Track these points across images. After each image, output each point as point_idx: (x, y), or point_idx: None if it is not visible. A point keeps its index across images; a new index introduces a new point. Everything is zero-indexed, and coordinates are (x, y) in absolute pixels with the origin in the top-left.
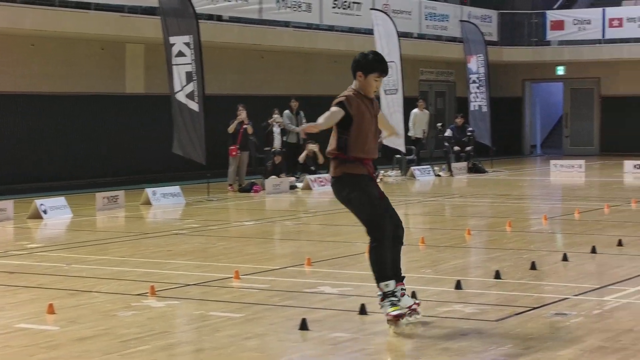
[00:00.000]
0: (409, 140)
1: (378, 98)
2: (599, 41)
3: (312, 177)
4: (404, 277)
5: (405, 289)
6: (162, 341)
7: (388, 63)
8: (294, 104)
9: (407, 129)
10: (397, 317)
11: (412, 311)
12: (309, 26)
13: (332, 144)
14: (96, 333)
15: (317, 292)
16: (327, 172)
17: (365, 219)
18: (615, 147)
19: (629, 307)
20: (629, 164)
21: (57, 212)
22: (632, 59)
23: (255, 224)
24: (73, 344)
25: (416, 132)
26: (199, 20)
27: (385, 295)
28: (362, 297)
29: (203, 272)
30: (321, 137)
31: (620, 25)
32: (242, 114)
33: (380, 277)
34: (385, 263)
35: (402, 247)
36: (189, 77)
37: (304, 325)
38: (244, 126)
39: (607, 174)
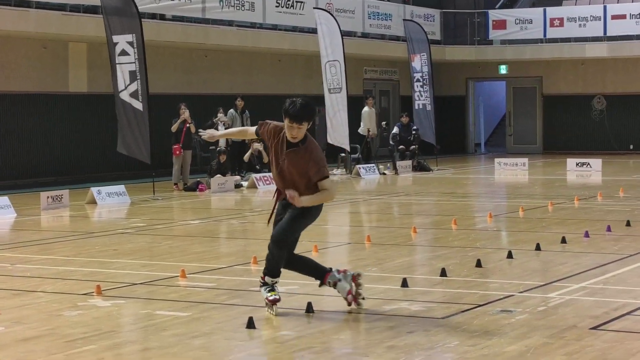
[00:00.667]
0: (355, 139)
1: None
2: (540, 40)
3: (258, 175)
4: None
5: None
6: (109, 341)
7: (332, 62)
8: (240, 102)
9: (352, 128)
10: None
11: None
12: (253, 25)
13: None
14: (41, 333)
15: None
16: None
17: None
18: (558, 146)
19: (572, 304)
20: (571, 162)
21: (0, 211)
22: (572, 58)
23: (201, 222)
24: (18, 345)
25: (363, 129)
26: (142, 19)
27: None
28: (309, 296)
29: (149, 271)
30: None
31: (561, 24)
32: (185, 113)
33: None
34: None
35: (350, 246)
36: (132, 76)
37: (250, 324)
38: (187, 125)
39: (550, 172)
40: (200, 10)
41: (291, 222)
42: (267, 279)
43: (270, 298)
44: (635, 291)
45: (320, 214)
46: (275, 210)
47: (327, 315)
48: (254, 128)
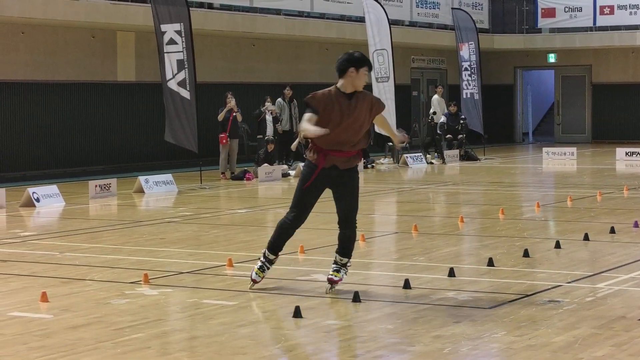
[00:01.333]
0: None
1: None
2: (590, 29)
3: (304, 164)
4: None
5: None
6: (156, 329)
7: (379, 51)
8: (288, 92)
9: (400, 118)
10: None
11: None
12: (300, 14)
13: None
14: (89, 321)
15: (311, 279)
16: None
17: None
18: (607, 135)
19: (621, 294)
20: (620, 152)
21: (49, 200)
22: (622, 47)
23: (248, 211)
24: (66, 332)
25: (436, 117)
26: (190, 8)
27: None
28: (355, 285)
29: (196, 260)
30: None
31: (612, 12)
32: (232, 102)
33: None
34: None
35: (397, 235)
36: (180, 65)
37: (297, 313)
38: (234, 114)
39: (599, 162)
40: None
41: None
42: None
43: (336, 279)
44: None
45: None
46: (316, 177)
47: (374, 304)
48: (307, 115)
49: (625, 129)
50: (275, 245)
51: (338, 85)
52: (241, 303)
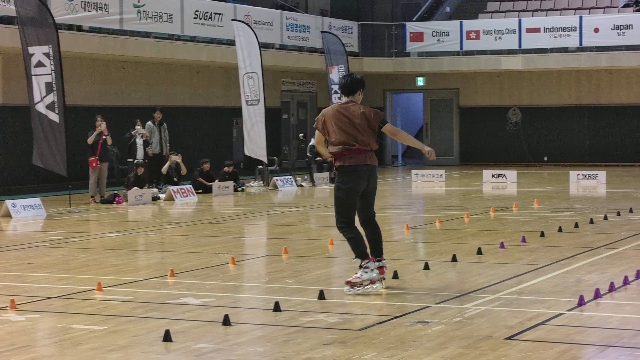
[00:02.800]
0: (272, 151)
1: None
2: (457, 53)
3: (175, 188)
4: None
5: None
6: (23, 356)
7: (249, 74)
8: (158, 115)
9: (270, 141)
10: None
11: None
12: (171, 37)
13: (372, 141)
14: None
15: (181, 303)
16: (189, 183)
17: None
18: (474, 157)
19: (488, 314)
20: (487, 174)
21: None
22: (488, 71)
23: (118, 235)
24: None
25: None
26: (59, 31)
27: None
28: (226, 308)
29: (65, 285)
30: (183, 149)
31: (477, 37)
32: (102, 125)
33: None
34: None
35: (267, 258)
36: (49, 87)
37: (167, 337)
38: (104, 137)
39: (467, 184)
40: (118, 21)
41: None
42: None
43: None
44: (549, 301)
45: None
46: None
47: (244, 327)
48: (316, 133)
49: (491, 151)
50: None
51: (351, 99)
52: (111, 327)
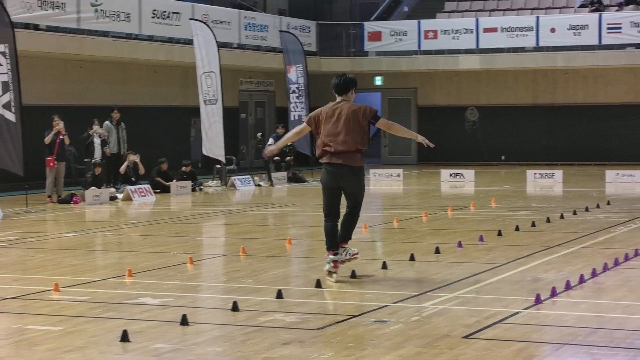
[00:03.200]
0: (230, 150)
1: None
2: (415, 52)
3: (133, 187)
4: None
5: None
6: None
7: (208, 73)
8: (116, 114)
9: (228, 141)
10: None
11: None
12: (128, 36)
13: (357, 140)
14: None
15: (138, 303)
16: (147, 183)
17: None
18: (432, 157)
19: (445, 313)
20: (445, 173)
21: None
22: (446, 70)
23: (76, 235)
24: None
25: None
26: (15, 29)
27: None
28: (184, 308)
29: (21, 285)
30: (141, 148)
31: (435, 37)
32: (59, 125)
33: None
34: None
35: (225, 257)
36: (5, 87)
37: (125, 337)
38: (61, 136)
39: (425, 183)
40: (75, 20)
41: None
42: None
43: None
44: (506, 300)
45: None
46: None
47: (203, 327)
48: (302, 125)
49: (449, 151)
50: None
51: (344, 99)
52: (68, 328)
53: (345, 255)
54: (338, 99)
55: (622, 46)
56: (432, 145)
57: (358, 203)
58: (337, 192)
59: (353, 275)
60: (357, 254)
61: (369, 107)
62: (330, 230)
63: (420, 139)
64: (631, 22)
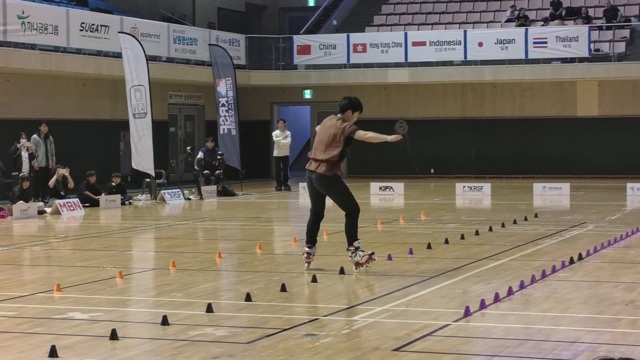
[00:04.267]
0: (159, 164)
1: None
2: (344, 65)
3: (61, 201)
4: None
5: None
6: None
7: (137, 87)
8: (44, 128)
9: (158, 153)
10: (370, 257)
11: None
12: (57, 49)
13: (331, 152)
14: None
15: (67, 318)
16: (75, 197)
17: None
18: (362, 169)
19: (375, 326)
20: (374, 186)
21: None
22: (375, 83)
23: (3, 250)
24: None
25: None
26: None
27: (356, 249)
28: (113, 322)
29: None
30: (70, 162)
31: (364, 50)
32: None
33: (354, 237)
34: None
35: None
36: None
37: (53, 353)
38: None
39: (354, 196)
40: (2, 32)
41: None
42: (355, 244)
43: (364, 259)
44: (435, 312)
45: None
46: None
47: (132, 341)
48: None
49: (379, 164)
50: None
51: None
52: None
53: (355, 257)
54: (338, 115)
55: (547, 60)
56: (402, 139)
57: (345, 209)
58: (315, 192)
59: (283, 288)
60: (371, 254)
61: (349, 125)
62: (310, 225)
63: (390, 138)
64: (557, 37)
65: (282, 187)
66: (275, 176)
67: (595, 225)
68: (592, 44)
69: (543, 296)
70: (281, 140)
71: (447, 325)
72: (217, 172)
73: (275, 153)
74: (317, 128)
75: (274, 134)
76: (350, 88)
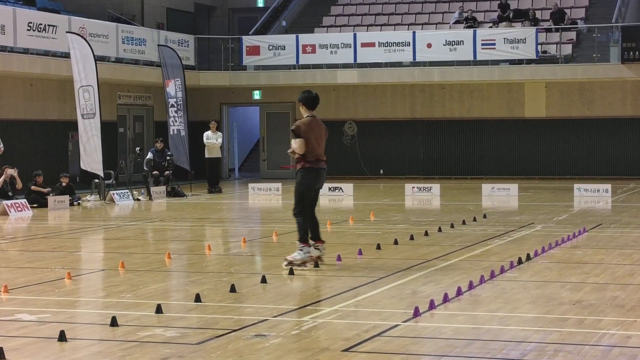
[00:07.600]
0: (108, 165)
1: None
2: (293, 66)
3: (9, 202)
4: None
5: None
6: None
7: (85, 87)
8: None
9: (106, 154)
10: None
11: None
12: (3, 49)
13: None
14: None
15: (15, 319)
16: (24, 198)
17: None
18: None
19: (325, 327)
20: (324, 187)
21: None
22: (324, 84)
23: None
24: None
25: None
26: None
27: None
28: (62, 324)
29: None
30: (18, 163)
31: (314, 51)
32: None
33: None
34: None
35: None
36: None
37: (1, 354)
38: None
39: None
40: None
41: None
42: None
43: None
44: (385, 312)
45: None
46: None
47: (81, 343)
48: (300, 139)
49: (328, 165)
50: (306, 234)
51: (313, 114)
52: None
53: (295, 253)
54: (309, 113)
55: (496, 62)
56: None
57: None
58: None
59: (232, 289)
60: (304, 263)
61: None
62: (310, 222)
63: (289, 151)
64: (505, 38)
65: (214, 189)
66: (207, 178)
67: (543, 225)
68: (539, 46)
69: (491, 296)
70: (213, 141)
71: (396, 325)
72: (167, 172)
73: (207, 155)
74: (305, 131)
75: (205, 135)
76: (299, 89)
